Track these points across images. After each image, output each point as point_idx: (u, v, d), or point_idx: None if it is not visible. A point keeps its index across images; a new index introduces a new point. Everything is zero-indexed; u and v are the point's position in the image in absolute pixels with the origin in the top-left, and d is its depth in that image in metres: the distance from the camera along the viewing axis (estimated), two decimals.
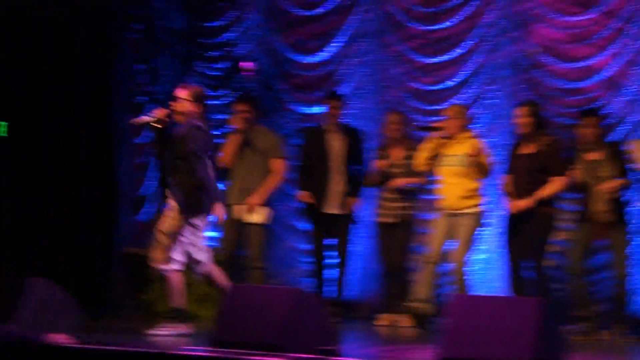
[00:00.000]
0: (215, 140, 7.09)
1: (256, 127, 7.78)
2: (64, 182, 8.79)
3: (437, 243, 7.26)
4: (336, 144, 7.93)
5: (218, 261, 6.94)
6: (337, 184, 7.84)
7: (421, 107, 8.93)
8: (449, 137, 7.28)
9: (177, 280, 6.58)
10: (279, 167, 7.65)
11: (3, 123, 8.60)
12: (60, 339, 5.34)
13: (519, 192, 7.15)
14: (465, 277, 7.22)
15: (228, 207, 7.51)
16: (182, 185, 6.39)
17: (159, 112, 6.32)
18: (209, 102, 8.05)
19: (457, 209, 7.29)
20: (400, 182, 7.75)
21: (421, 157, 7.33)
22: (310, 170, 7.96)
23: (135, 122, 6.43)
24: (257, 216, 7.61)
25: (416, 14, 9.13)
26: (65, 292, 5.72)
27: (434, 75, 8.97)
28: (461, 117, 7.39)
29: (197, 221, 6.42)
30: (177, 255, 6.46)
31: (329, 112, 8.01)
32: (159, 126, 6.36)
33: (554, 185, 7.08)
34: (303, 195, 7.92)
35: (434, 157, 7.30)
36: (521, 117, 7.19)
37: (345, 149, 7.98)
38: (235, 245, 7.72)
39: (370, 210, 8.38)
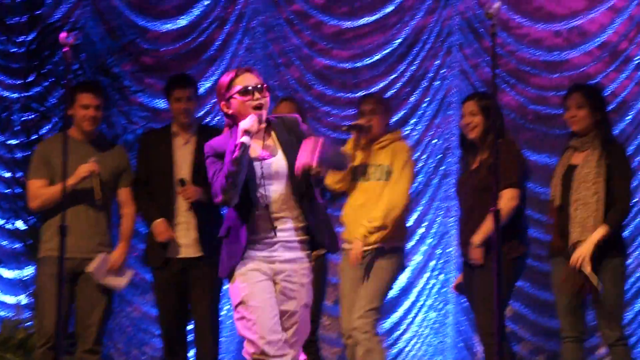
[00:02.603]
0: None
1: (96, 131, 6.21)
2: None
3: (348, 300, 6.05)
4: (185, 153, 6.29)
5: None
6: (186, 214, 6.19)
7: (334, 94, 8.10)
8: (372, 141, 6.16)
9: None
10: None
11: None
12: None
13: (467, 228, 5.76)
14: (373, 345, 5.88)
15: None
16: None
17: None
18: (8, 95, 7.43)
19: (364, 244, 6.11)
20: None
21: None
22: (150, 194, 6.35)
23: None
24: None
25: None
26: None
27: (353, 46, 8.18)
28: (383, 110, 6.26)
29: None
30: None
31: (172, 107, 6.44)
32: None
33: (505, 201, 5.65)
34: (156, 226, 6.24)
35: (353, 170, 6.16)
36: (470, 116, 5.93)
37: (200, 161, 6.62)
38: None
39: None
